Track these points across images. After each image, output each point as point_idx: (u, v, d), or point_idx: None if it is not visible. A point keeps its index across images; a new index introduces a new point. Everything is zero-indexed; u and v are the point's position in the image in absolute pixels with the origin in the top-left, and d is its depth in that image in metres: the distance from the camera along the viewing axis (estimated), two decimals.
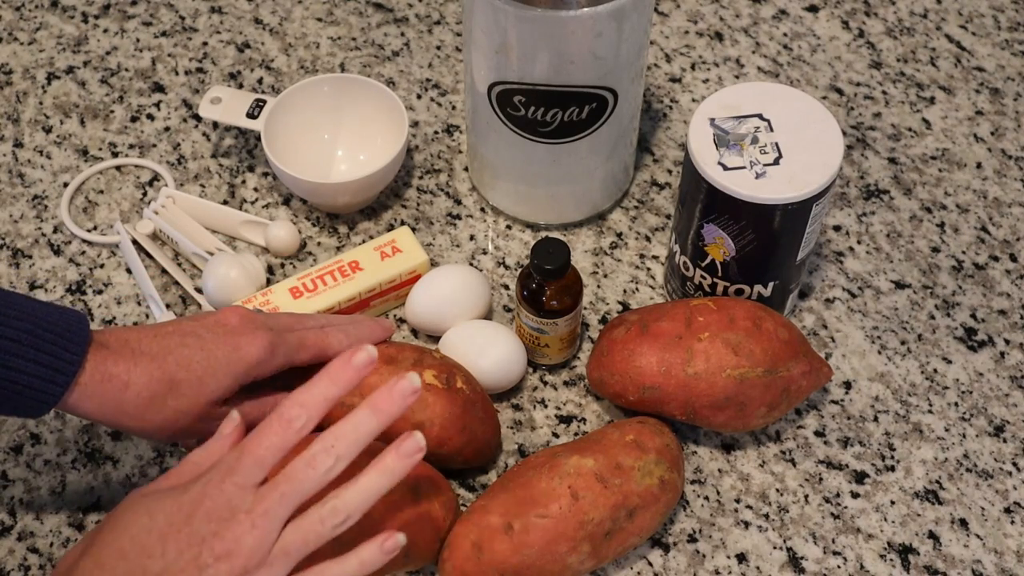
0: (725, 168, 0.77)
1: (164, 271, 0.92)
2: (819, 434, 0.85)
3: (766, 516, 0.81)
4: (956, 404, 0.86)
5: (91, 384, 0.67)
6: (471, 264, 0.93)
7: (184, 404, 0.69)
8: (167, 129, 1.02)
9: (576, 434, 0.85)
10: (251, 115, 0.94)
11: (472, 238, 0.95)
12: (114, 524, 0.63)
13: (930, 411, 0.86)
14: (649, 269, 0.93)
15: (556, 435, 0.85)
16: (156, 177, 0.99)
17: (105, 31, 1.08)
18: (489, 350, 0.83)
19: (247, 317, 0.73)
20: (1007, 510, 0.82)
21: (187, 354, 0.69)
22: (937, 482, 0.83)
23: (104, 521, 0.65)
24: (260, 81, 1.05)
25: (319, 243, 0.94)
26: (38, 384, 0.65)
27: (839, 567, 0.79)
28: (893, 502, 0.82)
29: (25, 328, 0.65)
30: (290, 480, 0.62)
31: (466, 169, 0.99)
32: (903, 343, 0.89)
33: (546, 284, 0.81)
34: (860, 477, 0.83)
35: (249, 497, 0.61)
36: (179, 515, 0.62)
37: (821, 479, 0.83)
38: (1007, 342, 0.90)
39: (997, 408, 0.86)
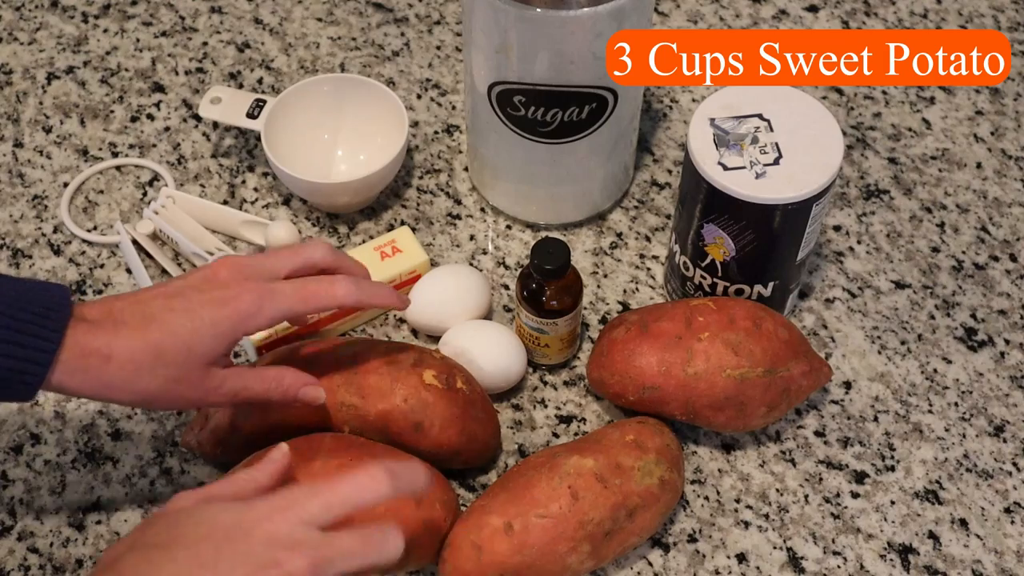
0: (725, 168, 0.77)
1: (164, 271, 0.92)
2: (819, 434, 0.85)
3: (766, 516, 0.81)
4: (956, 404, 0.86)
5: (71, 360, 0.65)
6: (471, 264, 0.93)
7: (175, 372, 0.67)
8: (167, 129, 1.02)
9: (576, 434, 0.85)
10: (251, 115, 0.94)
11: (472, 238, 0.95)
12: (168, 524, 0.61)
13: (930, 411, 0.86)
14: (649, 269, 0.93)
15: (556, 435, 0.85)
16: (156, 177, 0.99)
17: (105, 31, 1.08)
18: (489, 350, 0.83)
19: (237, 267, 0.70)
20: (1007, 510, 0.82)
21: (171, 319, 0.67)
22: (937, 482, 0.83)
23: (154, 518, 0.62)
24: (260, 81, 1.05)
25: None
26: (20, 366, 0.64)
27: (839, 567, 0.79)
28: (893, 502, 0.82)
29: (1, 311, 0.64)
30: (366, 545, 0.60)
31: (466, 169, 0.99)
32: (903, 343, 0.89)
33: (546, 284, 0.81)
34: (860, 477, 0.83)
35: (315, 536, 0.59)
36: (238, 531, 0.59)
37: (821, 479, 0.83)
38: (1007, 342, 0.90)
39: (997, 408, 0.86)
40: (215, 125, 1.02)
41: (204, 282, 0.69)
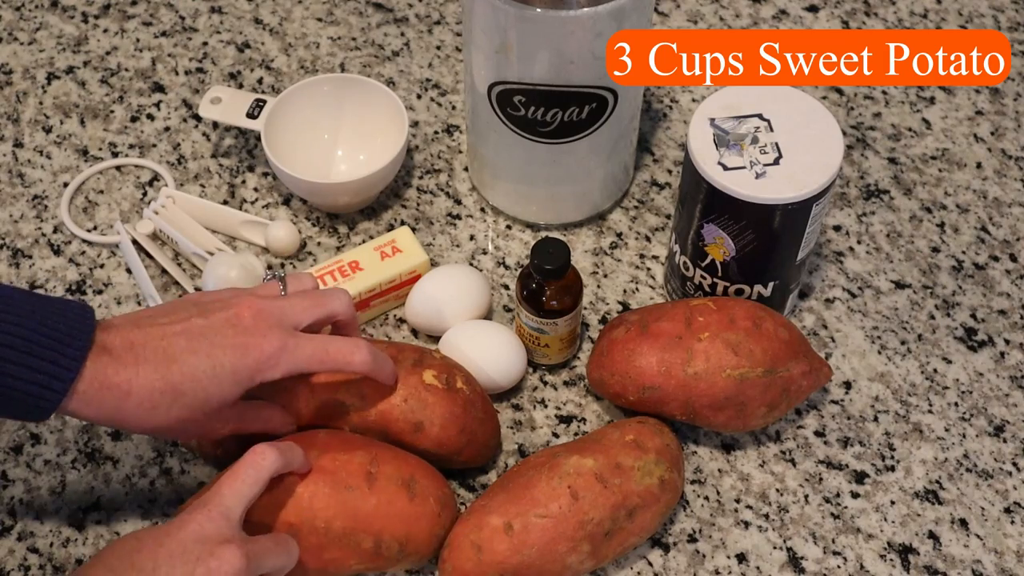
0: (725, 168, 0.77)
1: (164, 271, 0.92)
2: (819, 434, 0.85)
3: (766, 516, 0.81)
4: (956, 404, 0.86)
5: (90, 391, 0.65)
6: (471, 264, 0.93)
7: (188, 413, 0.68)
8: (167, 129, 1.02)
9: (576, 434, 0.85)
10: (251, 115, 0.94)
11: (472, 238, 0.95)
12: (101, 553, 0.65)
13: (930, 411, 0.86)
14: (649, 269, 0.93)
15: (556, 435, 0.85)
16: (156, 177, 0.99)
17: (105, 31, 1.09)
18: (489, 350, 0.83)
19: (263, 315, 0.70)
20: (1007, 510, 0.82)
21: (193, 363, 0.67)
22: (937, 482, 0.83)
23: (98, 553, 0.66)
24: (260, 81, 1.05)
25: (319, 243, 0.94)
26: (36, 391, 0.64)
27: (839, 567, 0.79)
28: (893, 502, 0.82)
29: (21, 334, 0.64)
30: (278, 544, 0.67)
31: (466, 169, 0.99)
32: (903, 343, 0.89)
33: (546, 284, 0.81)
34: (860, 477, 0.83)
35: (238, 531, 0.65)
36: (166, 537, 0.63)
37: (821, 479, 0.83)
38: (1007, 342, 0.90)
39: (997, 408, 0.86)
40: (215, 125, 1.02)
41: (227, 325, 0.69)
